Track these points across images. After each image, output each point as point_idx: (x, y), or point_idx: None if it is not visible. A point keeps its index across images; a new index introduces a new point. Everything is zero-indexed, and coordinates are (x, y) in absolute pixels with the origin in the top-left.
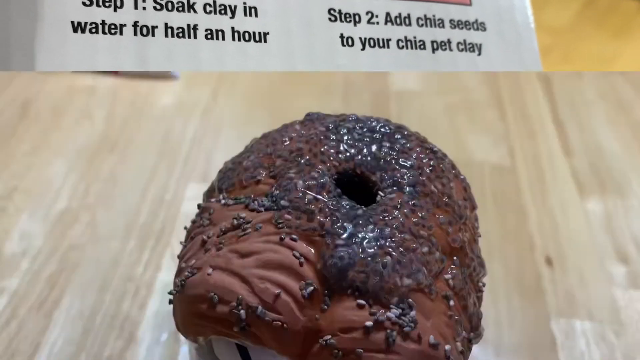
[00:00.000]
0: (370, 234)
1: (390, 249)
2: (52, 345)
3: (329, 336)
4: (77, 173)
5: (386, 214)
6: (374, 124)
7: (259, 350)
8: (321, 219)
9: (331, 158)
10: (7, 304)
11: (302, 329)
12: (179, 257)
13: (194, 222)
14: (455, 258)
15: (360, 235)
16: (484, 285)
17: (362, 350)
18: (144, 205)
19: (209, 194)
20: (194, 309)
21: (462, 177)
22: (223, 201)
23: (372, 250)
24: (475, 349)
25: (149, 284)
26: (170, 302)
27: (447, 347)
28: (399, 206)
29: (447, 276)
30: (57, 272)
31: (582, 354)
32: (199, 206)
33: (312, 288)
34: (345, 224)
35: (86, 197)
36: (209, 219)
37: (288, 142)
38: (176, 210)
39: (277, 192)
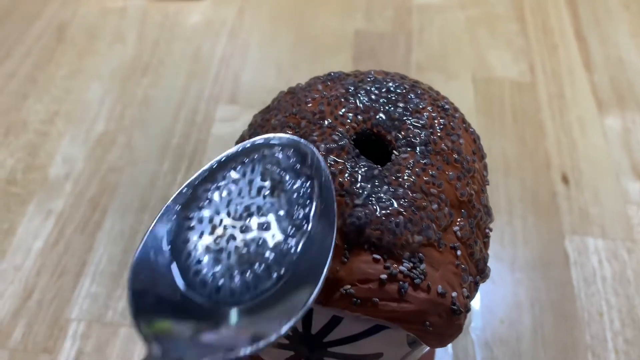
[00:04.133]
0: (385, 195)
1: (402, 209)
2: (96, 265)
3: (349, 286)
4: (113, 96)
5: (399, 174)
6: (390, 84)
7: None
8: (341, 180)
9: (349, 120)
10: (54, 224)
11: (325, 279)
12: None
13: None
14: (463, 211)
15: (375, 196)
16: (490, 230)
17: (377, 299)
18: (176, 127)
19: None
20: None
21: (471, 130)
22: None
23: (387, 210)
24: (491, 265)
25: None
26: None
27: (454, 294)
28: (411, 166)
29: (455, 228)
30: (98, 194)
31: (594, 271)
32: None
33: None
34: (362, 184)
35: (122, 120)
36: None
37: (311, 104)
38: (207, 132)
39: None
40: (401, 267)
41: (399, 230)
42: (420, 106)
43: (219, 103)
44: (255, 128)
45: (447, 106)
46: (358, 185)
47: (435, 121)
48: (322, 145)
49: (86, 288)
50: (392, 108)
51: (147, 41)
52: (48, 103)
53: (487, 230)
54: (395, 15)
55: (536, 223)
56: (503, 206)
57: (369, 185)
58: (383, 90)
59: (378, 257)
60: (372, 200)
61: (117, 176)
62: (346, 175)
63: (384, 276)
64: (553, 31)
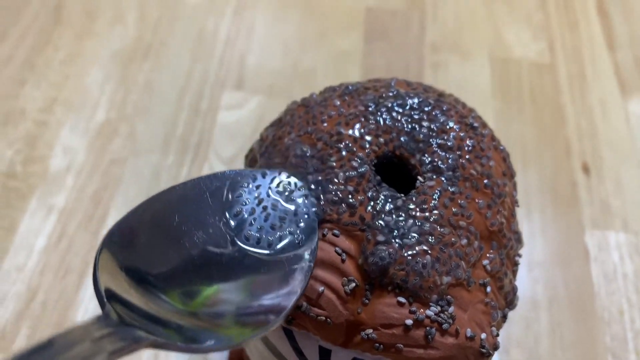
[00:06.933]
0: (410, 231)
1: (429, 247)
2: None
3: (371, 330)
4: (114, 82)
5: (425, 206)
6: (414, 100)
7: (304, 334)
8: (362, 214)
9: (370, 143)
10: (57, 221)
11: (344, 322)
12: None
13: None
14: (493, 242)
15: (400, 232)
16: (520, 257)
17: (402, 346)
18: (180, 115)
19: (251, 162)
20: None
21: (501, 147)
22: None
23: (412, 250)
24: None
25: None
26: None
27: (483, 335)
28: (438, 195)
29: (485, 262)
30: (101, 188)
31: (614, 267)
32: None
33: (354, 284)
34: (385, 217)
35: (124, 108)
36: None
37: (327, 123)
38: (212, 120)
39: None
40: (428, 312)
41: (426, 271)
42: (447, 126)
43: (224, 89)
44: (267, 146)
45: (475, 123)
46: (380, 218)
47: (463, 142)
48: (341, 174)
49: (91, 288)
50: (417, 128)
51: (149, 21)
52: (46, 89)
53: (516, 258)
54: None
55: (555, 216)
56: (521, 198)
57: (392, 219)
58: (406, 107)
59: (403, 300)
60: (396, 236)
61: (120, 169)
62: (368, 207)
63: (409, 322)
64: (574, 6)
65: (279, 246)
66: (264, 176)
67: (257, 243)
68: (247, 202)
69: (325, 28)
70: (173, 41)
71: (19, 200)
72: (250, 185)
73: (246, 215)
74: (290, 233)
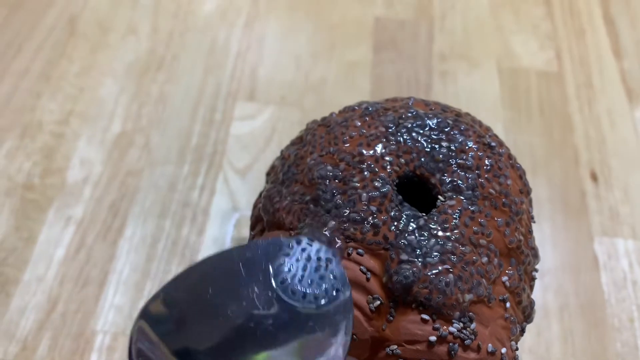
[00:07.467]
0: (432, 250)
1: (451, 266)
2: (119, 274)
3: (395, 346)
4: (128, 94)
5: (446, 225)
6: (433, 120)
7: None
8: (385, 233)
9: (391, 163)
10: (75, 232)
11: (369, 338)
12: None
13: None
14: (512, 259)
15: (423, 251)
16: (536, 271)
17: None
18: (194, 127)
19: (273, 180)
20: None
21: (517, 165)
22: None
23: (435, 269)
24: None
25: (205, 209)
26: None
27: (503, 350)
28: (458, 214)
29: (504, 278)
30: (118, 199)
31: (624, 274)
32: (263, 194)
33: (378, 302)
34: (408, 236)
35: (139, 119)
36: None
37: (349, 144)
38: (226, 131)
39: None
40: (451, 328)
41: (449, 289)
42: (466, 145)
43: (237, 100)
44: (289, 165)
45: (493, 143)
46: (403, 237)
47: (482, 161)
48: (364, 194)
49: (110, 299)
50: (436, 148)
51: (161, 33)
52: (62, 102)
53: (533, 273)
54: (417, 0)
55: (565, 224)
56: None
57: (415, 238)
58: (426, 128)
59: (426, 317)
60: (419, 255)
61: (137, 180)
62: (391, 227)
63: (433, 338)
64: (580, 14)
65: (322, 301)
66: (298, 243)
67: (303, 298)
68: (292, 269)
69: (335, 39)
70: (185, 53)
71: (38, 212)
72: (290, 252)
73: (290, 280)
74: (331, 284)
